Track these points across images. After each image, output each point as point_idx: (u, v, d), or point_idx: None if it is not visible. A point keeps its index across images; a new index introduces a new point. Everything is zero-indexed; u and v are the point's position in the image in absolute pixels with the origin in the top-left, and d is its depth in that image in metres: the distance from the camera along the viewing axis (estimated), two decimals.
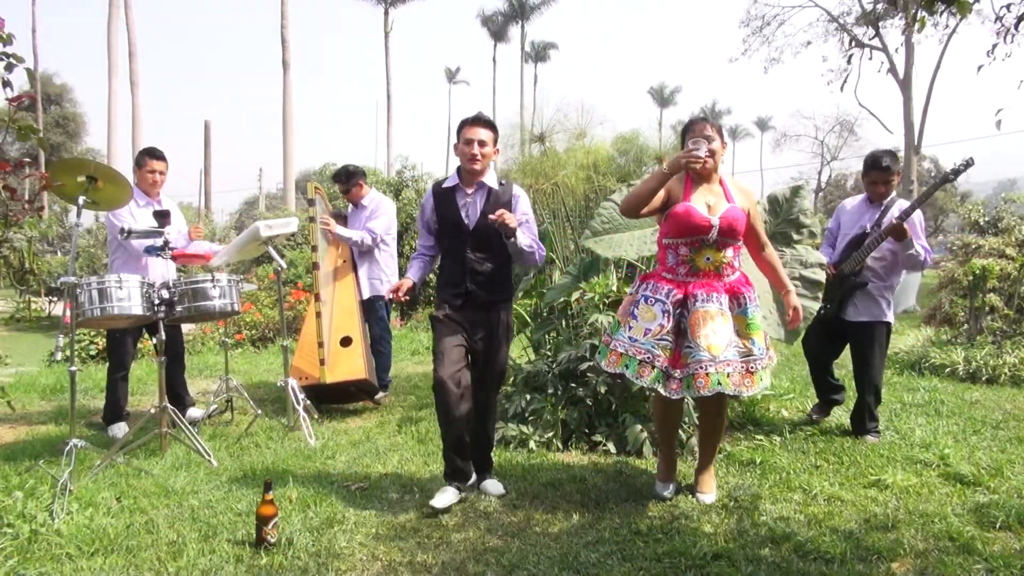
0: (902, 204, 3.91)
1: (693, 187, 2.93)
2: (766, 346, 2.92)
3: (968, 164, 3.86)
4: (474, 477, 3.13)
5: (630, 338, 2.89)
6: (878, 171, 3.91)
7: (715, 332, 2.77)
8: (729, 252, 2.90)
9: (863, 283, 3.94)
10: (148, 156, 4.44)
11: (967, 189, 36.76)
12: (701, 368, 2.73)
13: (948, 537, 2.62)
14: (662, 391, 2.82)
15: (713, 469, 3.17)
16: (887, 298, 3.99)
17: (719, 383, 2.72)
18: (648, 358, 2.83)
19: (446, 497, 2.92)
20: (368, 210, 5.05)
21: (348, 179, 5.04)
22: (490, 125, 3.05)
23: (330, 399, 4.82)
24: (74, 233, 3.63)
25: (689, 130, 2.95)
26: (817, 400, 4.41)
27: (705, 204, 2.88)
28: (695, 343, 2.77)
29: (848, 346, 4.15)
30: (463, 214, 3.05)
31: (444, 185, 3.11)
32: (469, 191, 3.06)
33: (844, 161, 40.02)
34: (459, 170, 3.10)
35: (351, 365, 4.63)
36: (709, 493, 3.06)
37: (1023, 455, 3.61)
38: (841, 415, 4.35)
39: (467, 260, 3.03)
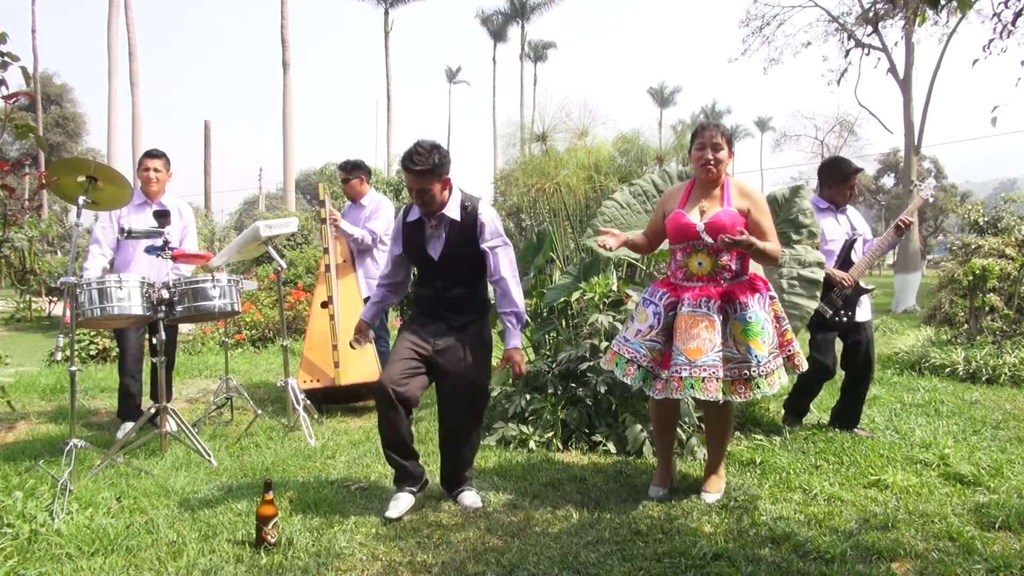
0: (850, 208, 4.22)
1: (692, 194, 3.00)
2: (768, 352, 2.83)
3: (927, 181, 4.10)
4: (418, 478, 3.02)
5: (624, 338, 3.02)
6: (854, 174, 4.09)
7: (695, 337, 2.78)
8: (725, 256, 2.88)
9: (871, 288, 4.09)
10: (144, 155, 4.47)
11: (967, 189, 36.76)
12: (677, 372, 2.77)
13: (948, 537, 2.62)
14: (646, 390, 2.92)
15: (723, 471, 3.14)
16: None
17: (692, 387, 2.74)
18: (635, 357, 2.93)
19: (400, 504, 2.87)
20: (368, 209, 5.10)
21: (352, 170, 5.14)
22: (426, 170, 2.79)
23: (339, 399, 4.86)
24: (74, 233, 3.63)
25: (698, 134, 2.95)
26: (794, 411, 4.31)
27: (699, 210, 2.92)
28: (676, 347, 2.82)
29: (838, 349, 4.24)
30: (428, 247, 2.96)
31: (408, 219, 3.00)
32: (433, 223, 2.95)
33: None
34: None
35: (365, 367, 4.68)
36: (710, 493, 3.05)
37: (1023, 455, 3.61)
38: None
39: (437, 289, 2.99)
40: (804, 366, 3.01)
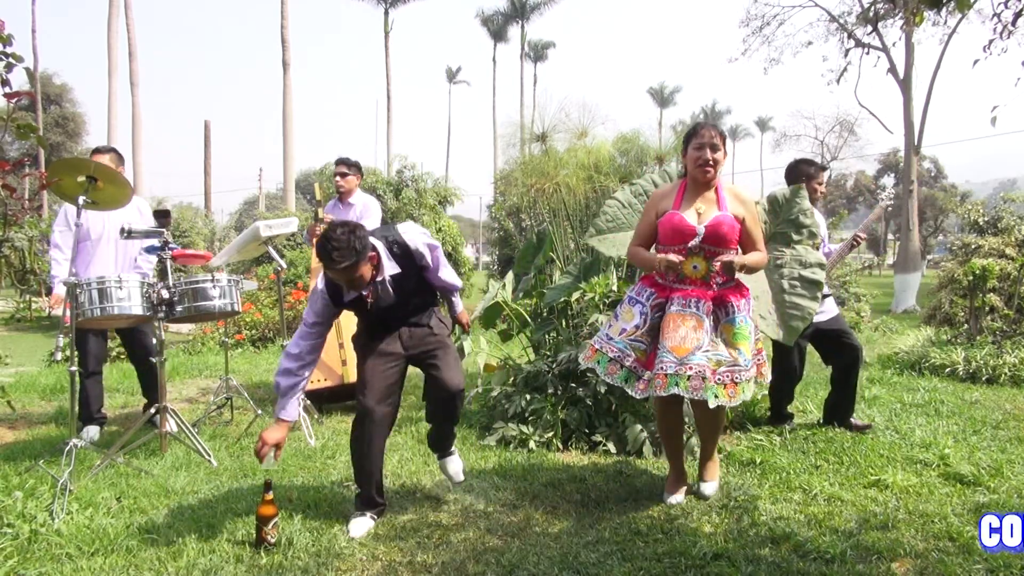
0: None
1: (686, 195, 2.95)
2: (752, 356, 2.87)
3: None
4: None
5: (607, 336, 2.97)
6: (821, 171, 4.14)
7: (682, 337, 2.76)
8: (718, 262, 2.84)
9: (828, 294, 4.12)
10: (92, 151, 4.20)
11: (967, 189, 36.78)
12: (662, 369, 2.75)
13: (948, 537, 2.62)
14: (628, 390, 2.88)
15: (716, 460, 3.16)
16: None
17: (676, 384, 2.71)
18: (618, 356, 2.90)
19: (363, 526, 2.74)
20: (357, 209, 5.08)
21: (351, 166, 5.10)
22: (352, 263, 2.50)
23: (340, 399, 4.87)
24: (75, 233, 3.62)
25: (695, 134, 2.91)
26: (777, 419, 4.29)
27: (695, 211, 2.88)
28: (662, 344, 2.79)
29: (815, 348, 4.29)
30: (382, 304, 2.76)
31: (346, 299, 2.76)
32: (375, 287, 2.73)
33: (844, 161, 40.13)
34: None
35: None
36: (708, 481, 3.07)
37: (1023, 455, 3.61)
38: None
39: (398, 317, 2.85)
40: (768, 377, 3.06)
